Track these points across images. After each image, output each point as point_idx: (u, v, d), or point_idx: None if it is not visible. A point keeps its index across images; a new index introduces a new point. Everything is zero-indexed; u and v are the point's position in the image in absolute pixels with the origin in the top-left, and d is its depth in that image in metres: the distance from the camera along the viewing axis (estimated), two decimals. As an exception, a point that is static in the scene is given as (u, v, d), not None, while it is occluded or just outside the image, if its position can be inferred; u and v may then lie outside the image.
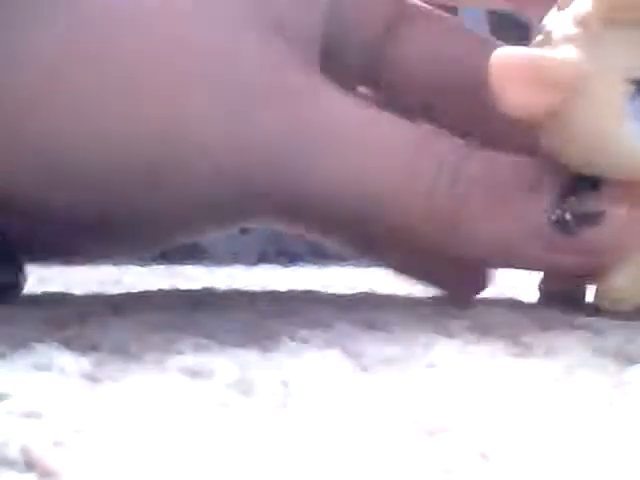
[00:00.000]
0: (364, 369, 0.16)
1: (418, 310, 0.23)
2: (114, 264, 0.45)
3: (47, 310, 0.23)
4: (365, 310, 0.22)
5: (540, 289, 0.24)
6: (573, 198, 0.20)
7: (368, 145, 0.21)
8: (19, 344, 0.17)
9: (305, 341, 0.18)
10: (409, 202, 0.21)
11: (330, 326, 0.19)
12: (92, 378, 0.15)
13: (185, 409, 0.13)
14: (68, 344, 0.18)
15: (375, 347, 0.17)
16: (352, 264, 0.62)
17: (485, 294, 0.26)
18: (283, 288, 0.34)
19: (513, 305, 0.25)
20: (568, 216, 0.20)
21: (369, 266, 0.59)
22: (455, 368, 0.16)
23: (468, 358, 0.17)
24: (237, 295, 0.30)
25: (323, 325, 0.19)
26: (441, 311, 0.22)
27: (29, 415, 0.12)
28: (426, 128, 0.22)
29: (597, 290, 0.21)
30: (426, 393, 0.14)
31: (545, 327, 0.20)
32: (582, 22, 0.20)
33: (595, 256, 0.20)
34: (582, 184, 0.20)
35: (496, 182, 0.20)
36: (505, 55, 0.19)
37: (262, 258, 0.61)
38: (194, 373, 0.15)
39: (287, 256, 0.79)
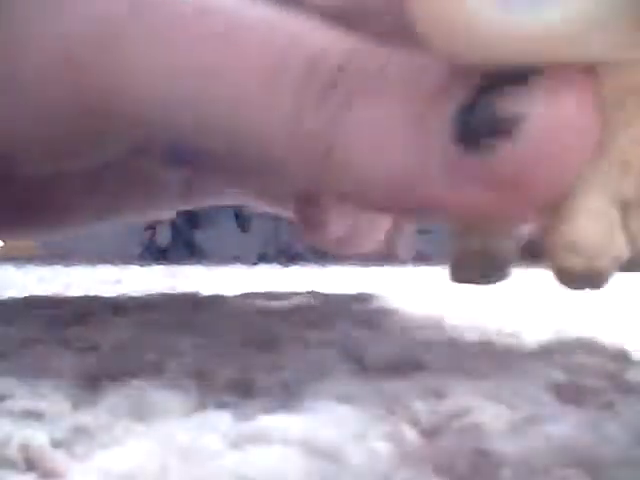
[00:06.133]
0: (364, 369, 0.16)
1: (418, 310, 0.23)
2: (114, 264, 0.45)
3: (47, 310, 0.23)
4: (365, 310, 0.22)
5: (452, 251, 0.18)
6: (484, 99, 0.13)
7: (215, 40, 0.15)
8: (19, 344, 0.17)
9: (305, 341, 0.18)
10: (270, 124, 0.14)
11: (330, 326, 0.19)
12: (92, 378, 0.15)
13: (184, 409, 0.13)
14: (68, 344, 0.18)
15: (375, 347, 0.17)
16: (352, 264, 0.62)
17: (485, 293, 0.26)
18: (283, 288, 0.34)
19: (512, 304, 0.25)
20: (475, 124, 0.13)
21: (369, 266, 0.59)
22: (454, 368, 0.16)
23: (467, 358, 0.17)
24: (237, 295, 0.30)
25: (323, 325, 0.19)
26: (441, 311, 0.22)
27: (29, 415, 0.12)
28: (304, 17, 0.15)
29: (554, 246, 0.14)
30: (425, 393, 0.14)
31: (544, 327, 0.20)
32: None
33: (520, 188, 0.13)
34: (502, 81, 0.13)
35: (385, 88, 0.14)
36: None
37: (262, 258, 0.61)
38: (194, 373, 0.15)
39: (287, 256, 0.79)
